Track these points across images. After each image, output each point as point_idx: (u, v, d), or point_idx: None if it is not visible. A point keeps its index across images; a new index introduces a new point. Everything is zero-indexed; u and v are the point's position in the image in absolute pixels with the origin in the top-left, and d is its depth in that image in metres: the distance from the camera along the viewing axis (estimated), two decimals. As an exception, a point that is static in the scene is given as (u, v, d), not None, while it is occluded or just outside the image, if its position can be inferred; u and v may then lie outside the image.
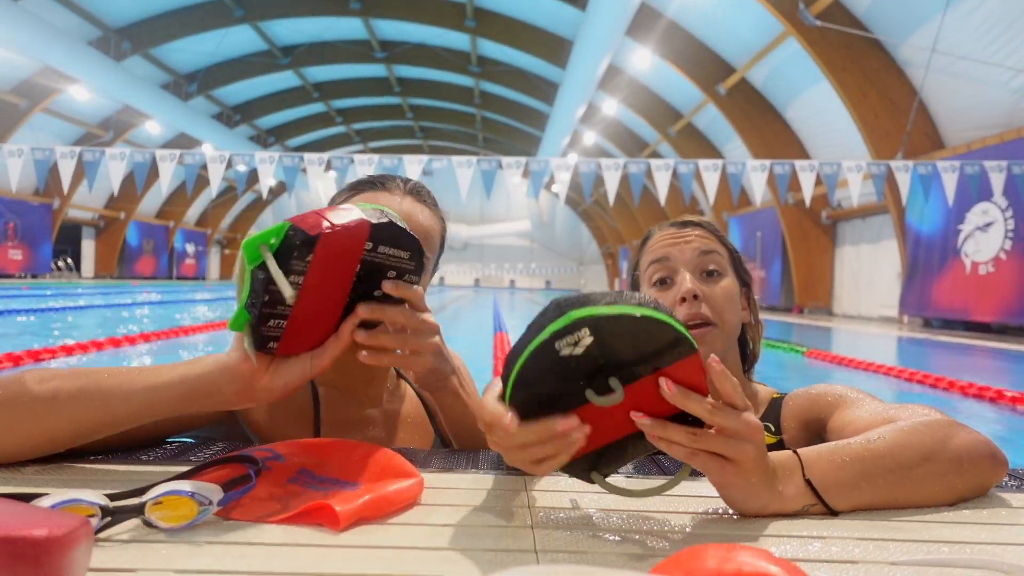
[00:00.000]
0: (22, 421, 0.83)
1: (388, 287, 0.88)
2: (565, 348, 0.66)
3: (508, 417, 0.68)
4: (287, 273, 0.78)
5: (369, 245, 0.84)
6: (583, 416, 0.69)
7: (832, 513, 0.77)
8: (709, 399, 0.71)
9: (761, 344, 1.37)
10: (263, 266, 0.77)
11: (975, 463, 0.83)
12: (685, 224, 1.29)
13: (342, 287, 0.86)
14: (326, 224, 0.79)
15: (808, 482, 0.76)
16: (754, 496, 0.73)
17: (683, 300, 1.19)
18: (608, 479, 0.76)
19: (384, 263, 0.87)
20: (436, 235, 1.19)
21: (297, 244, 0.77)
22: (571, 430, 0.67)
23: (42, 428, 0.84)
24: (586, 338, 0.65)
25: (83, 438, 0.87)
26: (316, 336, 0.89)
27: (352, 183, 1.22)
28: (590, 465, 0.75)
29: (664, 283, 1.24)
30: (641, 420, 0.70)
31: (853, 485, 0.77)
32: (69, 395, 0.84)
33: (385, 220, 0.84)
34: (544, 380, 0.68)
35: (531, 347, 0.67)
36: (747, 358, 1.35)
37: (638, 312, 0.66)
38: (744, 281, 1.32)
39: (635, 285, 1.34)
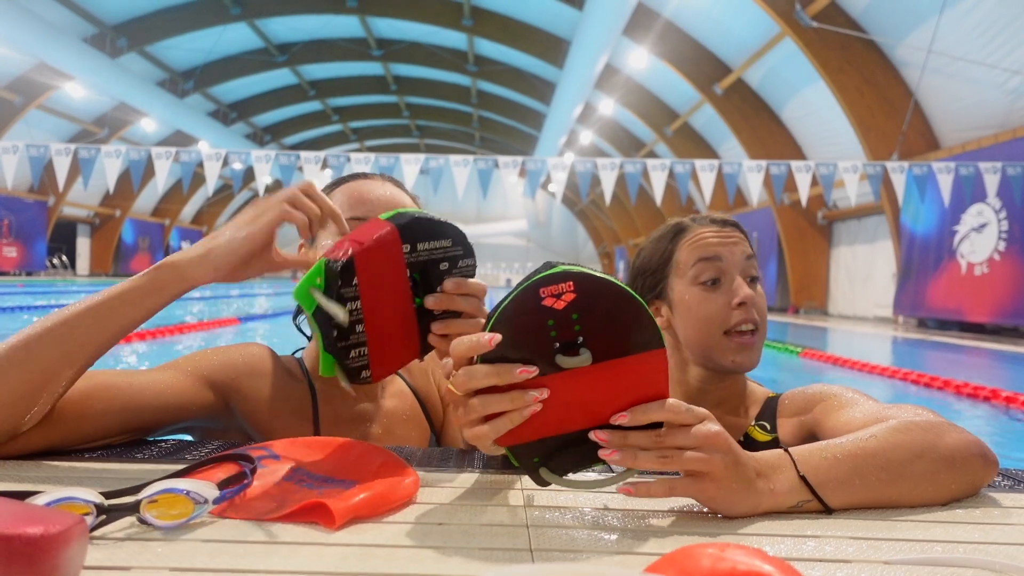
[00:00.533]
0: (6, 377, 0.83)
1: (450, 286, 0.86)
2: (548, 298, 0.68)
3: (490, 336, 0.67)
4: (343, 302, 0.79)
5: (407, 247, 0.83)
6: (546, 386, 0.70)
7: (827, 510, 0.77)
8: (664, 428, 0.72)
9: None
10: (320, 307, 0.79)
11: (966, 462, 0.83)
12: (725, 223, 1.27)
13: (402, 296, 0.86)
14: (355, 245, 0.80)
15: (803, 478, 0.76)
16: (738, 501, 0.74)
17: (739, 305, 1.19)
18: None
19: (431, 258, 0.86)
20: None
21: (338, 272, 0.79)
22: (529, 376, 0.68)
23: (26, 374, 0.83)
24: (568, 292, 0.68)
25: (69, 368, 0.87)
26: (403, 350, 0.89)
27: (331, 182, 1.24)
28: (542, 458, 0.74)
29: (716, 283, 1.22)
30: (598, 435, 0.71)
31: (846, 481, 0.77)
32: (38, 335, 0.85)
33: (408, 219, 0.84)
34: (521, 327, 0.68)
35: (516, 291, 0.68)
36: None
37: (624, 286, 0.69)
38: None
39: (657, 276, 1.29)
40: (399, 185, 1.23)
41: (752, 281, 1.23)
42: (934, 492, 0.82)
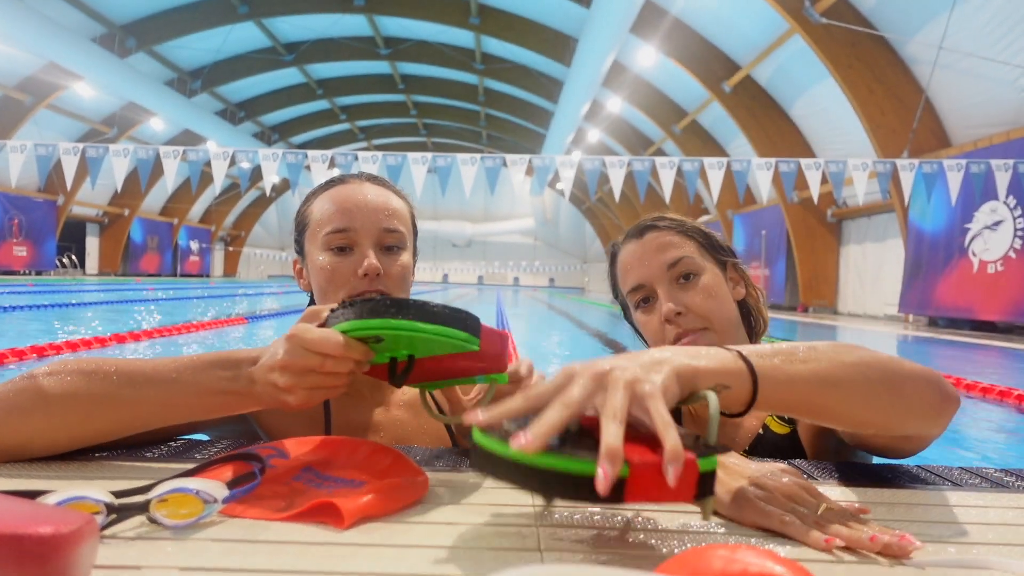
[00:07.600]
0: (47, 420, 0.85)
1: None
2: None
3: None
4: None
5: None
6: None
7: (748, 405, 0.70)
8: None
9: (767, 309, 1.35)
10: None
11: (916, 389, 0.80)
12: (643, 231, 1.27)
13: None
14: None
15: (739, 353, 0.70)
16: None
17: (668, 321, 1.19)
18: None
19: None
20: (408, 214, 1.22)
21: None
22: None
23: (72, 427, 0.86)
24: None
25: (115, 435, 0.90)
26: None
27: (311, 191, 1.23)
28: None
29: (647, 302, 1.25)
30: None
31: (775, 369, 0.71)
32: (101, 396, 0.86)
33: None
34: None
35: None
36: (753, 330, 1.33)
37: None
38: (723, 260, 1.29)
39: (624, 307, 1.33)
40: (383, 183, 1.22)
41: (686, 279, 1.21)
42: (867, 409, 0.76)
